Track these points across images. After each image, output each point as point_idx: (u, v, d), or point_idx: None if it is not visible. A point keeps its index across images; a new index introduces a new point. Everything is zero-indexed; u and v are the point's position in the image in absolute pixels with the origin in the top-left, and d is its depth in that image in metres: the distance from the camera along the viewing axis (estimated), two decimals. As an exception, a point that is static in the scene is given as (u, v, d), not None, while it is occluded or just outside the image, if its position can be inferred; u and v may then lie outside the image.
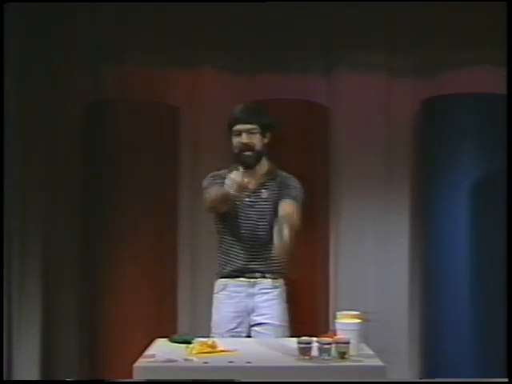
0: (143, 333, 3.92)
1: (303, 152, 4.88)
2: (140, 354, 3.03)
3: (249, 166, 3.74)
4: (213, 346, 3.09)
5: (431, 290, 5.00)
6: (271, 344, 3.33)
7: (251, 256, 3.73)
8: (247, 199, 3.73)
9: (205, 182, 3.84)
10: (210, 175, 3.87)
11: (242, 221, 3.74)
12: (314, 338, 2.99)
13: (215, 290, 3.82)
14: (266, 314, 3.71)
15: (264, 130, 3.76)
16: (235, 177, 3.48)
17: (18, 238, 4.78)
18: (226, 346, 3.13)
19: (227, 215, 3.74)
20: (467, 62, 5.17)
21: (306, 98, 5.05)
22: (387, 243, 5.26)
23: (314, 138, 5.02)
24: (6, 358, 4.65)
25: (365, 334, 3.13)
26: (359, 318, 3.10)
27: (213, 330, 3.75)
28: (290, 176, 3.85)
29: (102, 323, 4.80)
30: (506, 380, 3.65)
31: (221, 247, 3.82)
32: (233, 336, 3.67)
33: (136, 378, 2.84)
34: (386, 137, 5.26)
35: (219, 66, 5.22)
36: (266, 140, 3.79)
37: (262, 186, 3.78)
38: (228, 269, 3.77)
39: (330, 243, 5.17)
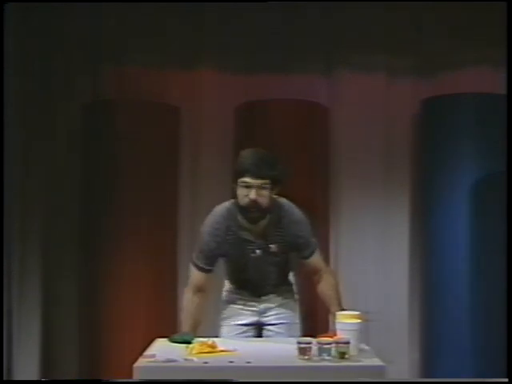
0: (143, 333, 3.92)
1: (303, 152, 4.88)
2: (140, 353, 3.03)
3: (252, 223, 3.46)
4: (213, 346, 3.09)
5: (431, 289, 5.00)
6: (271, 344, 3.33)
7: (261, 292, 3.64)
8: (253, 255, 3.52)
9: (205, 236, 3.52)
10: (208, 225, 3.52)
11: (250, 270, 3.57)
12: (314, 338, 2.99)
13: (226, 288, 3.73)
14: (279, 314, 3.63)
15: (274, 184, 3.40)
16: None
17: (18, 238, 4.78)
18: (226, 346, 3.13)
19: (234, 263, 3.62)
20: (467, 61, 5.17)
21: (305, 97, 5.05)
22: (387, 242, 5.26)
23: (314, 138, 5.02)
24: (5, 358, 4.65)
25: (365, 334, 3.14)
26: (359, 318, 3.10)
27: (222, 323, 3.66)
28: (291, 209, 3.54)
29: (101, 323, 4.80)
30: (505, 380, 3.64)
31: (229, 284, 3.72)
32: (242, 331, 3.60)
33: (136, 378, 2.83)
34: (386, 137, 5.27)
35: (219, 66, 5.22)
36: (273, 193, 3.44)
37: (268, 240, 3.51)
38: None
39: (330, 243, 5.17)
